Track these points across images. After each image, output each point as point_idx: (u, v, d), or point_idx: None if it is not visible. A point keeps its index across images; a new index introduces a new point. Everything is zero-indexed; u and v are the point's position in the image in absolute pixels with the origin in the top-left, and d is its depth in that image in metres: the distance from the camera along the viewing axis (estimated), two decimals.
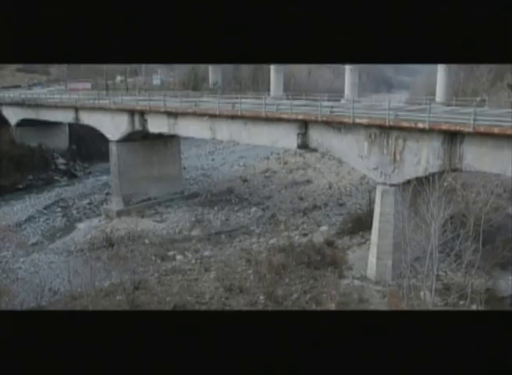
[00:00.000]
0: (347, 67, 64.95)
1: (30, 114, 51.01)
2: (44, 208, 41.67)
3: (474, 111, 20.73)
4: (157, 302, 23.23)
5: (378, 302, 22.42)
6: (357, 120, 24.65)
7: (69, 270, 25.43)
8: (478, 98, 37.56)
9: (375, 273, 24.64)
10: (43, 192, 46.74)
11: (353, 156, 25.92)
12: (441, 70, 53.93)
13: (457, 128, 21.07)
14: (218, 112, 31.75)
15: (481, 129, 20.21)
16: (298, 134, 27.83)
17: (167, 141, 41.24)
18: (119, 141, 39.15)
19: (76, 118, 44.58)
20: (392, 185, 23.99)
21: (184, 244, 32.19)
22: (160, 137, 39.00)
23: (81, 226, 37.83)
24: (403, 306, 20.18)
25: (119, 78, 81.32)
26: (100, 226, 37.02)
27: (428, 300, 19.97)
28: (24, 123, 52.65)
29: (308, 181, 47.78)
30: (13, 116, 53.75)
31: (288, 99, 33.34)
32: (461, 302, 21.18)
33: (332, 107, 27.41)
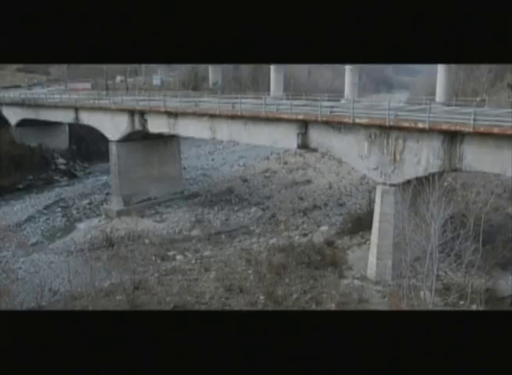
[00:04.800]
0: (347, 67, 65.12)
1: (30, 114, 51.00)
2: (44, 208, 41.65)
3: (474, 111, 20.71)
4: (157, 302, 23.22)
5: (378, 302, 22.41)
6: (357, 120, 24.64)
7: (69, 270, 25.39)
8: (478, 98, 37.61)
9: (375, 273, 24.64)
10: (43, 192, 46.71)
11: (353, 156, 25.92)
12: (441, 70, 54.05)
13: (457, 128, 21.06)
14: (218, 112, 31.74)
15: (481, 129, 20.20)
16: (298, 134, 27.84)
17: (167, 141, 41.22)
18: (119, 141, 39.16)
19: (76, 118, 44.60)
20: (392, 185, 23.99)
21: (184, 244, 32.18)
22: (160, 137, 38.98)
23: (81, 226, 37.82)
24: (403, 306, 20.16)
25: (119, 78, 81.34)
26: (100, 226, 37.01)
27: (428, 300, 19.95)
28: (24, 123, 52.62)
29: (308, 181, 47.75)
30: (13, 116, 53.75)
31: (288, 99, 33.33)
32: (461, 302, 21.17)
33: (332, 107, 27.37)
